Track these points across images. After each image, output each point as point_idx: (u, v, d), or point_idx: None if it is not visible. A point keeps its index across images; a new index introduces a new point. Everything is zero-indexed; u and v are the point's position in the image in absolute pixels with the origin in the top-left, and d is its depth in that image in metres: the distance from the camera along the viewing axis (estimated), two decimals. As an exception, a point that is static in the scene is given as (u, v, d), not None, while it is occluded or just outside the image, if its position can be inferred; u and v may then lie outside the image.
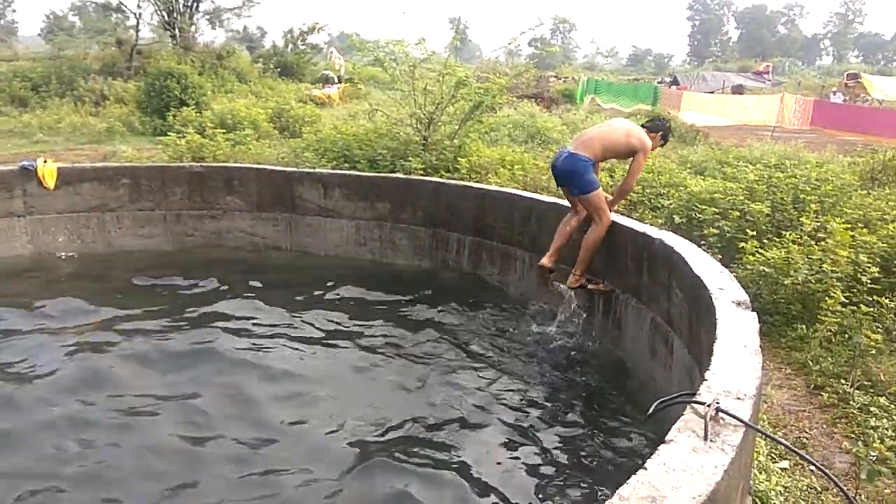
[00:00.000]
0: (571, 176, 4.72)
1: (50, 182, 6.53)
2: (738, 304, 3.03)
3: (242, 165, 7.40)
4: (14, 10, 77.45)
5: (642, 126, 5.00)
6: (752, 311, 2.97)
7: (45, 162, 6.64)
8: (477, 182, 6.83)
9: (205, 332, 4.92)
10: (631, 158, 4.85)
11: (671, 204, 6.45)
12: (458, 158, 7.32)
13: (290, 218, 7.14)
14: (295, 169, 7.32)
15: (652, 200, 6.89)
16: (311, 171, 7.19)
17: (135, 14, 19.14)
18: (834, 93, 30.33)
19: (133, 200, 6.88)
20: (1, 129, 11.13)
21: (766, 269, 4.76)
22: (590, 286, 4.91)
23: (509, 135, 11.51)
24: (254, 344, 4.78)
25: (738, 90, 33.62)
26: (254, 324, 5.15)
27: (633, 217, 5.80)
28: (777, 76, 46.70)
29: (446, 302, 5.70)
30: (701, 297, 3.29)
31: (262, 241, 7.17)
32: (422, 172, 7.04)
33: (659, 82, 35.75)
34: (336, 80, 21.33)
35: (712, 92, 30.33)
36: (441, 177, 6.98)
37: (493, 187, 6.34)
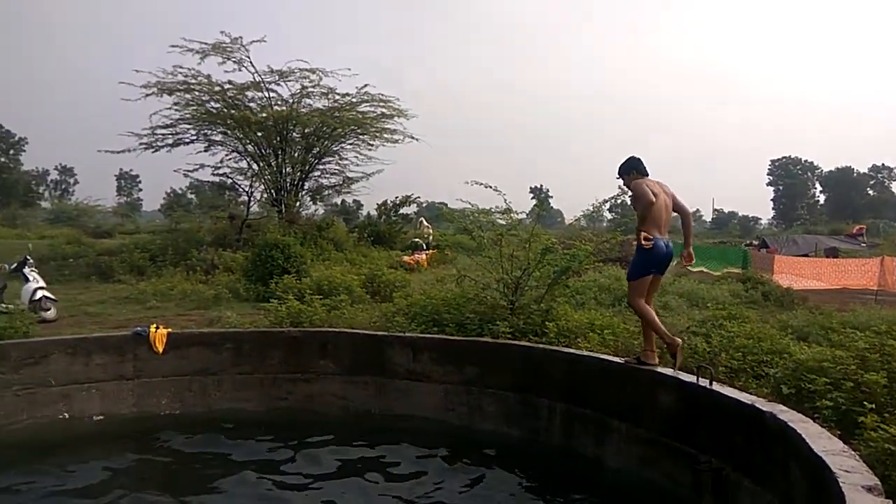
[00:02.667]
0: (671, 259, 5.53)
1: (160, 347, 6.97)
2: (869, 489, 2.75)
3: (336, 330, 7.66)
4: (140, 189, 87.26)
5: (625, 177, 5.72)
6: (885, 496, 2.68)
7: (156, 328, 7.13)
8: (566, 346, 6.74)
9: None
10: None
11: (777, 373, 6.08)
12: (546, 322, 7.29)
13: (380, 381, 7.20)
14: (386, 333, 7.50)
15: (755, 368, 6.52)
16: (402, 334, 7.35)
17: (247, 192, 21.15)
18: (939, 253, 28.82)
19: (234, 364, 7.18)
20: (119, 296, 12.06)
21: (892, 448, 4.31)
22: None
23: (595, 298, 11.45)
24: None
25: (832, 253, 32.52)
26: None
27: (735, 386, 5.51)
28: (871, 238, 45.09)
29: (535, 478, 5.44)
30: (825, 480, 3.01)
31: (351, 405, 7.21)
32: (510, 336, 7.03)
33: (746, 245, 35.24)
34: (424, 247, 22.32)
35: (805, 255, 29.52)
36: (529, 341, 6.95)
37: (584, 352, 6.23)
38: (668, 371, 5.25)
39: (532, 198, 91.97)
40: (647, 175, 5.65)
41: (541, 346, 6.58)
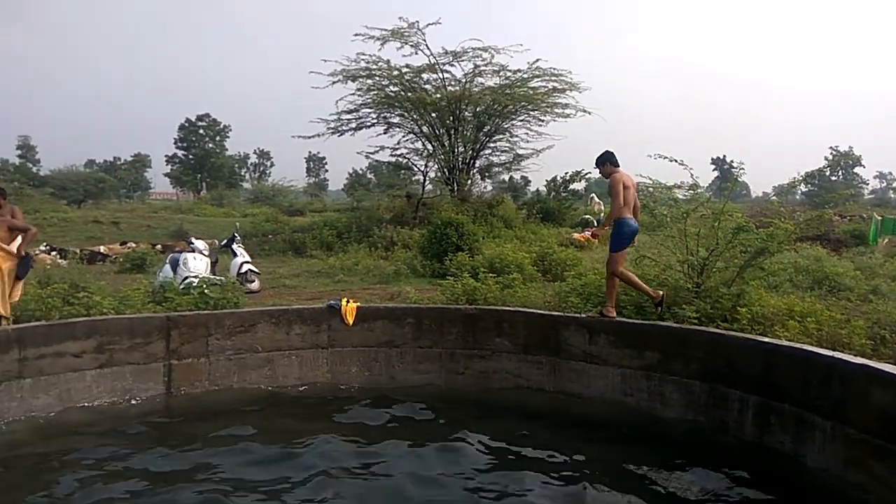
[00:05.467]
0: (637, 233, 7.10)
1: (350, 319, 7.47)
2: None
3: (511, 309, 7.72)
4: (327, 170, 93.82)
5: (601, 167, 7.19)
6: None
7: (347, 301, 7.65)
8: (760, 334, 6.23)
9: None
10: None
11: None
12: (738, 307, 6.78)
13: (554, 362, 7.16)
14: (561, 314, 7.42)
15: None
16: (577, 315, 7.23)
17: (422, 171, 21.99)
18: None
19: (415, 338, 7.52)
20: (311, 270, 13.14)
21: None
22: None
23: (791, 280, 10.47)
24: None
25: None
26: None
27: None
28: None
29: (726, 471, 5.11)
30: None
31: (526, 384, 7.25)
32: (695, 321, 6.62)
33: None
34: (595, 224, 21.79)
35: None
36: (717, 327, 6.50)
37: (783, 342, 5.70)
38: (887, 367, 4.65)
39: (714, 169, 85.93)
40: (618, 166, 7.07)
41: (732, 333, 6.12)
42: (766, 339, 5.83)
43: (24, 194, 32.62)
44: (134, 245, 17.92)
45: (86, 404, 6.48)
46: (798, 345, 5.57)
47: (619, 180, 6.86)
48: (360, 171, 71.37)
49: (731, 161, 74.72)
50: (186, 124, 71.87)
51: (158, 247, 17.30)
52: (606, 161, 7.12)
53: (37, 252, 15.63)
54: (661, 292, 6.95)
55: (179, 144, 71.99)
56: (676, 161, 7.63)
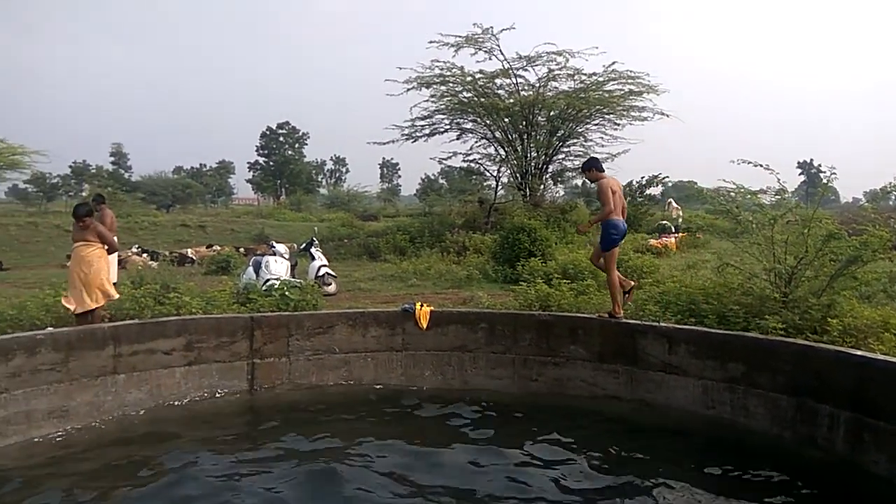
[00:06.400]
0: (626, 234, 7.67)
1: (424, 323, 7.56)
2: None
3: (586, 316, 7.61)
4: (399, 176, 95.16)
5: (587, 172, 7.64)
6: None
7: (420, 306, 7.74)
8: (852, 347, 5.90)
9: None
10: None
11: None
12: (828, 319, 6.44)
13: (631, 371, 7.01)
14: (638, 322, 7.25)
15: None
16: (656, 324, 7.04)
17: (494, 176, 21.97)
18: None
19: (488, 343, 7.53)
20: (385, 274, 13.33)
21: None
22: None
23: (885, 290, 9.85)
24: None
25: None
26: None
27: None
28: None
29: (815, 493, 4.86)
30: None
31: (602, 392, 7.13)
32: (782, 333, 6.33)
33: None
34: (673, 229, 21.18)
35: None
36: (806, 339, 6.20)
37: (878, 356, 5.38)
38: None
39: (800, 174, 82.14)
40: (603, 171, 7.46)
41: (822, 345, 5.83)
42: (860, 353, 5.52)
43: (117, 199, 34.63)
44: (219, 248, 18.71)
45: (175, 399, 6.81)
46: (894, 359, 5.24)
47: (608, 185, 7.17)
48: (433, 177, 72.07)
49: (819, 165, 71.24)
50: (268, 132, 74.62)
51: (241, 250, 18.01)
52: (592, 167, 7.49)
53: (129, 254, 16.57)
54: (621, 313, 7.26)
55: (261, 152, 74.83)
56: (761, 165, 7.34)
